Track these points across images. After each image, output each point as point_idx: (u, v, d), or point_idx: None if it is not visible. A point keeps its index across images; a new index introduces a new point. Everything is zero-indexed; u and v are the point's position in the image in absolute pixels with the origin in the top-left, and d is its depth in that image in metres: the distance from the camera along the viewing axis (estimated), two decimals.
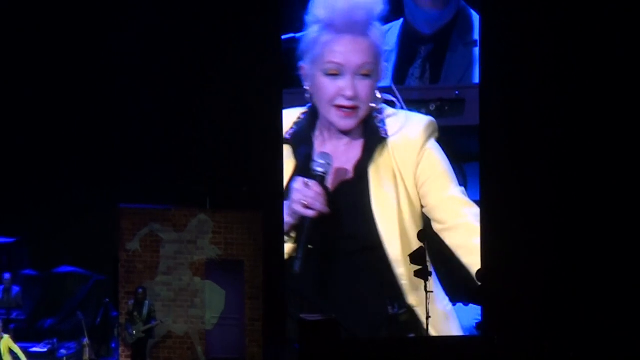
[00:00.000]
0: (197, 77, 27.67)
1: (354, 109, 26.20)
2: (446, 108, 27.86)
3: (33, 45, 28.44)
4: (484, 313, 26.70)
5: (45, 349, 26.05)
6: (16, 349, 23.36)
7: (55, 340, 26.39)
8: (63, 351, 26.04)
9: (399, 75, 27.90)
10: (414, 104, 27.36)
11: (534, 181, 27.04)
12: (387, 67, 27.36)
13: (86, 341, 25.27)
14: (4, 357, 23.17)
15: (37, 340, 26.44)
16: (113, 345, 26.37)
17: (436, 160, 26.62)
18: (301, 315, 24.50)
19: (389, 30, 27.80)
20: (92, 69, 28.16)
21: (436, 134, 26.53)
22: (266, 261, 26.05)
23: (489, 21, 27.51)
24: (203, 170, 27.18)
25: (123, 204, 26.16)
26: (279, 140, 27.45)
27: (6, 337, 23.36)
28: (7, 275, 26.25)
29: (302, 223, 25.93)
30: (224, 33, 27.60)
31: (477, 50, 27.37)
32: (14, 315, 25.74)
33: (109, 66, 28.18)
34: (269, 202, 26.76)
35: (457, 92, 27.81)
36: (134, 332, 24.85)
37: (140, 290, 25.18)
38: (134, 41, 27.97)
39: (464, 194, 26.63)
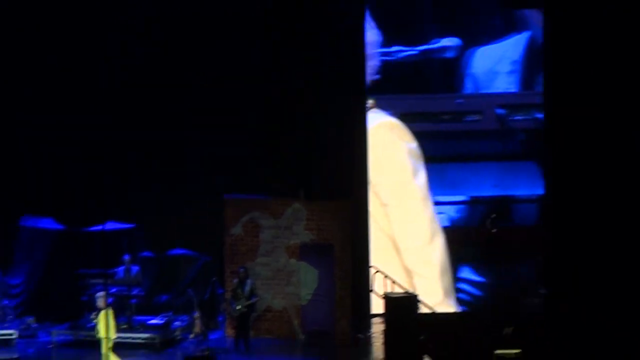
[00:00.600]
0: (291, 79, 27.69)
1: None
2: None
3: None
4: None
5: (162, 322, 26.07)
6: (112, 324, 23.08)
7: (170, 314, 26.60)
8: (177, 323, 26.21)
9: (528, 83, 28.95)
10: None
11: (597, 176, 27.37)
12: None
13: (197, 315, 25.56)
14: (100, 327, 23.11)
15: (155, 314, 26.59)
16: (220, 318, 26.79)
17: None
18: (386, 292, 25.24)
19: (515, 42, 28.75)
20: (203, 70, 28.03)
21: None
22: (354, 245, 26.26)
23: (553, 24, 27.89)
24: (298, 165, 27.31)
25: (228, 195, 26.61)
26: (365, 139, 28.12)
27: (109, 310, 23.22)
28: (126, 257, 26.53)
29: None
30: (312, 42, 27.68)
31: None
32: (134, 292, 26.10)
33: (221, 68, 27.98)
34: (356, 192, 27.20)
35: None
36: (238, 307, 25.30)
37: (243, 270, 25.62)
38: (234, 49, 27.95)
39: None
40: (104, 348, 22.68)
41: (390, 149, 28.44)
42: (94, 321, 23.38)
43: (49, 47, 27.82)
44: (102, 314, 22.82)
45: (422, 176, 28.40)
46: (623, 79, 27.44)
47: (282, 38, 27.83)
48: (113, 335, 22.70)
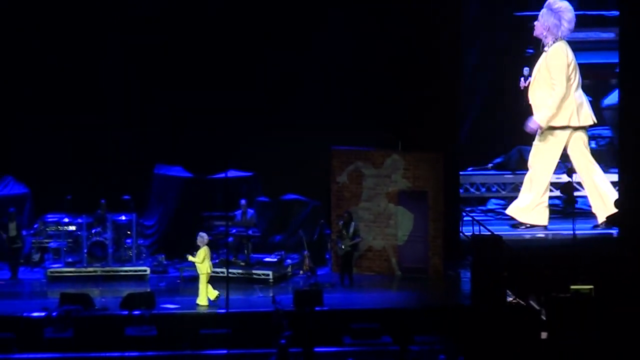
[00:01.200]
0: (394, 45, 27.70)
1: None
2: None
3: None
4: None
5: (276, 259, 26.44)
6: (209, 260, 23.75)
7: (282, 253, 26.82)
8: (289, 261, 26.55)
9: None
10: None
11: None
12: None
13: (306, 253, 25.88)
14: (200, 263, 23.78)
15: (269, 252, 26.89)
16: (327, 256, 27.17)
17: None
18: (474, 233, 25.80)
19: None
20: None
21: None
22: (445, 191, 26.39)
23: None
24: (397, 119, 27.35)
25: (334, 146, 26.83)
26: (457, 94, 28.17)
27: (207, 248, 23.81)
28: (243, 201, 26.63)
29: None
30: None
31: None
32: (250, 232, 26.31)
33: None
34: (448, 145, 27.11)
35: None
36: (343, 246, 25.63)
37: (347, 214, 25.90)
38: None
39: None
40: (203, 281, 23.52)
41: None
42: (192, 259, 23.98)
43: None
44: (201, 251, 23.59)
45: None
46: None
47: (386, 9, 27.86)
48: (210, 269, 23.58)
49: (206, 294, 23.60)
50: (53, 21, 27.78)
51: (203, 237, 24.05)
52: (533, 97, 29.42)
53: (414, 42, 27.47)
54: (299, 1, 28.25)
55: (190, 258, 23.85)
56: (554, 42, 29.29)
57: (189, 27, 28.09)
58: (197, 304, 23.55)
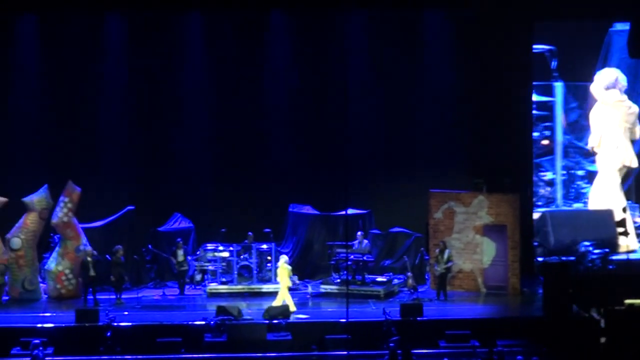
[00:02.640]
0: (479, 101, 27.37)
1: None
2: None
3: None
4: None
5: (386, 279, 26.11)
6: (287, 275, 23.79)
7: (391, 274, 26.61)
8: (396, 281, 26.25)
9: None
10: None
11: None
12: None
13: (410, 274, 25.69)
14: (280, 277, 23.95)
15: (380, 274, 26.53)
16: (426, 277, 26.73)
17: None
18: (544, 259, 25.59)
19: None
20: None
21: None
22: (521, 225, 26.10)
23: None
24: (481, 169, 27.06)
25: (432, 189, 26.60)
26: (531, 148, 27.98)
27: (287, 266, 23.95)
28: (359, 233, 26.53)
29: None
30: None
31: None
32: (365, 258, 25.94)
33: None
34: (522, 189, 26.81)
35: None
36: (439, 269, 25.42)
37: (442, 243, 25.68)
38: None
39: None
40: (283, 291, 23.64)
41: None
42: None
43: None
44: (281, 268, 23.73)
45: None
46: None
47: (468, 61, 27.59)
48: (289, 283, 23.82)
49: (290, 302, 23.72)
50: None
51: (282, 257, 24.51)
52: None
53: (495, 105, 27.20)
54: (405, 56, 27.99)
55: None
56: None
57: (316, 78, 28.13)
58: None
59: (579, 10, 26.72)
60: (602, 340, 22.07)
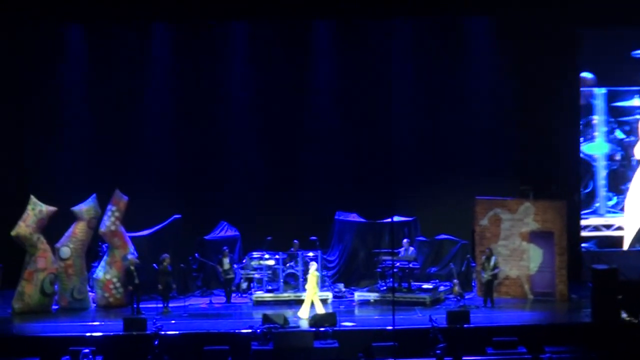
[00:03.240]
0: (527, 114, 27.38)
1: None
2: None
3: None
4: None
5: (432, 286, 26.08)
6: (315, 282, 23.96)
7: (437, 281, 26.48)
8: (442, 288, 26.15)
9: None
10: None
11: None
12: None
13: (456, 281, 25.66)
14: (309, 284, 24.09)
15: (426, 281, 26.51)
16: (473, 284, 26.56)
17: None
18: (593, 265, 25.00)
19: None
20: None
21: None
22: (568, 232, 26.01)
23: None
24: (528, 177, 27.04)
25: (478, 196, 26.49)
26: (578, 155, 27.80)
27: (316, 273, 24.17)
28: (405, 240, 26.32)
29: None
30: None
31: None
32: (411, 265, 25.84)
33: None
34: (569, 195, 26.77)
35: None
36: (485, 275, 25.31)
37: (489, 250, 25.56)
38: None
39: None
40: (312, 297, 23.75)
41: None
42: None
43: None
44: (311, 275, 23.92)
45: None
46: None
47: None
48: (317, 290, 24.01)
49: (308, 310, 23.81)
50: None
51: (312, 264, 24.59)
52: None
53: (542, 111, 27.20)
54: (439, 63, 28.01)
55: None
56: None
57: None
58: (298, 316, 23.87)
59: (620, 16, 26.71)
60: None
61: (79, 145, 28.11)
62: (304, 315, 23.91)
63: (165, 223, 27.01)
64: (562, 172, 27.43)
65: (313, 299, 24.13)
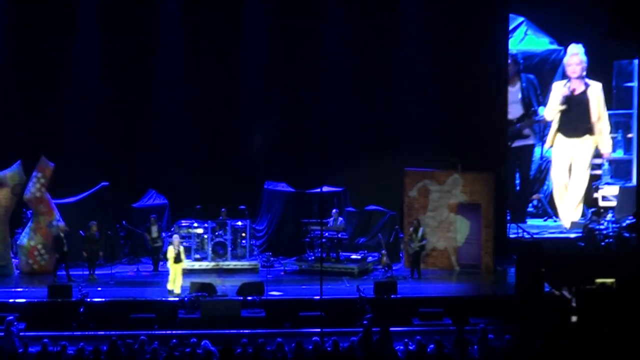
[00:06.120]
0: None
1: None
2: None
3: None
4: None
5: (360, 257, 26.34)
6: (183, 256, 23.62)
7: (365, 252, 26.71)
8: (370, 258, 26.40)
9: None
10: None
11: None
12: None
13: (384, 252, 25.68)
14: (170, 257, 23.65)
15: (355, 251, 26.79)
16: (400, 255, 26.87)
17: None
18: (517, 237, 25.56)
19: None
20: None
21: None
22: (495, 204, 26.23)
23: None
24: (456, 147, 27.28)
25: (407, 168, 26.72)
26: (505, 128, 28.11)
27: (181, 247, 23.81)
28: (334, 211, 26.63)
29: None
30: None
31: None
32: (340, 236, 26.14)
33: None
34: (497, 167, 27.02)
35: None
36: (413, 246, 25.52)
37: (417, 221, 25.78)
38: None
39: None
40: (177, 270, 23.58)
41: None
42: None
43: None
44: (171, 248, 23.68)
45: None
46: None
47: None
48: (184, 264, 23.82)
49: (173, 282, 23.58)
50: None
51: (176, 238, 24.36)
52: None
53: (471, 84, 27.33)
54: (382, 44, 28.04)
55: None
56: None
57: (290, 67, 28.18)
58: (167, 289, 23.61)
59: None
60: (573, 319, 22.07)
61: (4, 111, 27.69)
62: (177, 289, 23.59)
63: (92, 190, 26.80)
64: (489, 144, 27.52)
65: (177, 272, 23.79)
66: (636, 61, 28.77)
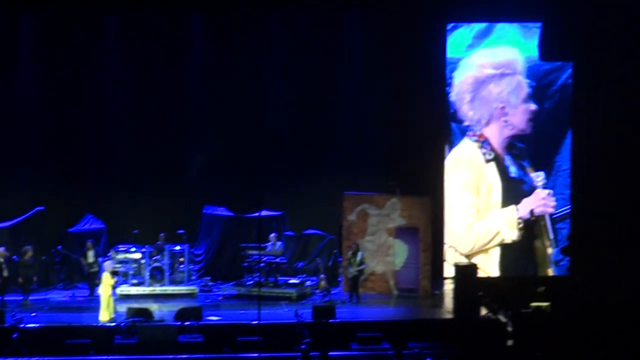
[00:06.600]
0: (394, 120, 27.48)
1: None
2: None
3: None
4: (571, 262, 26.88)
5: (298, 281, 26.36)
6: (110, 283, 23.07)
7: (304, 276, 26.78)
8: (309, 282, 26.40)
9: None
10: None
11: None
12: None
13: (323, 276, 25.65)
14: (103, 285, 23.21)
15: (293, 276, 26.83)
16: (339, 279, 26.82)
17: None
18: (455, 262, 25.54)
19: None
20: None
21: None
22: (433, 228, 26.41)
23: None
24: (395, 172, 27.20)
25: (347, 191, 26.73)
26: (443, 151, 27.99)
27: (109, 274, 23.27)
28: (273, 235, 26.56)
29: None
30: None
31: None
32: (278, 260, 26.09)
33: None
34: (435, 192, 27.10)
35: None
36: (352, 270, 25.58)
37: (355, 245, 25.83)
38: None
39: None
40: (107, 299, 23.19)
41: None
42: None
43: None
44: (105, 275, 23.39)
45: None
46: None
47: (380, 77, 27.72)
48: (109, 291, 23.35)
49: (107, 311, 23.14)
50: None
51: (108, 263, 24.13)
52: None
53: (410, 108, 27.32)
54: (318, 69, 28.00)
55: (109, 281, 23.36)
56: None
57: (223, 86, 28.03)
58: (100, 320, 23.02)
59: (491, 11, 27.28)
60: (509, 342, 22.39)
61: None
62: (104, 317, 23.34)
63: (28, 214, 26.54)
64: (427, 169, 27.60)
65: (108, 300, 23.39)
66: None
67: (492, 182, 27.81)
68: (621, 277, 24.61)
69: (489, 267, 27.61)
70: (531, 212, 27.73)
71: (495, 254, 27.82)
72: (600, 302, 23.01)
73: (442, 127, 28.05)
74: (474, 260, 27.28)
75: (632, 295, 23.32)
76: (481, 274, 26.35)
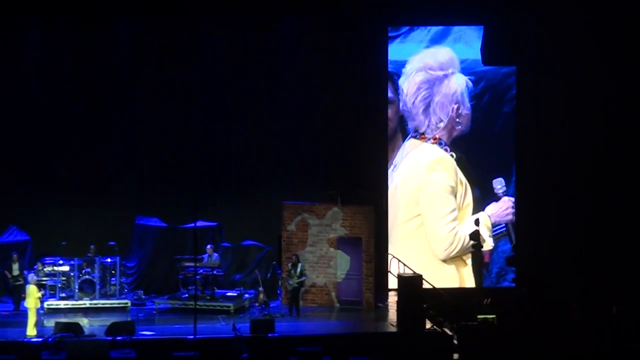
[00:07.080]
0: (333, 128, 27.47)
1: None
2: None
3: None
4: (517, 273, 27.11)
5: (236, 294, 26.02)
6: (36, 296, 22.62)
7: (242, 289, 26.45)
8: (247, 295, 26.07)
9: None
10: None
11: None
12: None
13: (261, 289, 25.63)
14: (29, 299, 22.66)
15: (230, 288, 26.53)
16: (278, 291, 26.68)
17: None
18: (399, 273, 25.40)
19: None
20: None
21: None
22: (376, 238, 26.21)
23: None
24: (336, 180, 27.09)
25: (286, 201, 26.48)
26: (386, 160, 27.98)
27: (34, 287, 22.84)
28: (209, 246, 26.32)
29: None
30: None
31: None
32: (215, 272, 25.86)
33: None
34: (377, 201, 27.01)
35: None
36: (292, 283, 25.32)
37: (295, 257, 25.61)
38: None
39: None
40: (33, 313, 22.69)
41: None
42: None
43: None
44: (30, 288, 22.89)
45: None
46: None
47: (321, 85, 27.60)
48: (38, 304, 22.93)
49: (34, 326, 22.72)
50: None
51: (32, 276, 23.69)
52: None
53: (350, 116, 27.31)
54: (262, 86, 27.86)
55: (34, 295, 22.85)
56: None
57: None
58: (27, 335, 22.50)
59: (432, 15, 27.32)
60: (455, 356, 22.25)
61: None
62: (32, 332, 22.68)
63: None
64: (369, 177, 27.52)
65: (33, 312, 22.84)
66: None
67: (465, 182, 27.85)
68: (567, 290, 24.78)
69: (465, 271, 27.69)
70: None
71: (469, 260, 27.84)
72: (546, 313, 23.08)
73: (386, 133, 27.94)
74: (449, 266, 27.36)
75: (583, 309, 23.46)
76: (456, 280, 26.70)
